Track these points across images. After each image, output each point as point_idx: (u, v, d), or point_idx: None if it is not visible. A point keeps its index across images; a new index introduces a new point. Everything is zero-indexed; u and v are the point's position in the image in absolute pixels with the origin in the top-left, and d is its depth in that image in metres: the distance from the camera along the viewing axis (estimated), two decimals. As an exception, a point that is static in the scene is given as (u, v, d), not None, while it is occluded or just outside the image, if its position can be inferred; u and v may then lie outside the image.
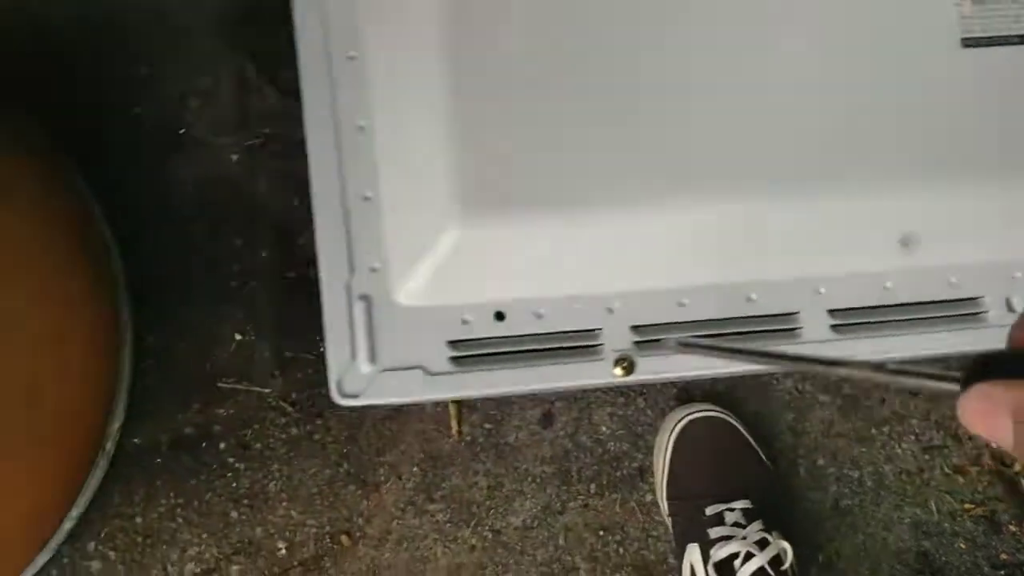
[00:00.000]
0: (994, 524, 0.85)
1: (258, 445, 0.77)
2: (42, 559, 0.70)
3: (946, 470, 0.85)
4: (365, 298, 0.39)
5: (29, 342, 0.52)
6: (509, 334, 0.40)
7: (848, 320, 0.42)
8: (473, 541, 0.78)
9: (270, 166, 0.79)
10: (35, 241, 0.56)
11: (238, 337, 0.77)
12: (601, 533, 0.80)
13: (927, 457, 0.85)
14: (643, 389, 0.82)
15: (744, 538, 0.72)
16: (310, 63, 0.40)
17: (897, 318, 0.42)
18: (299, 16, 0.41)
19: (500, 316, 0.40)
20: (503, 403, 0.80)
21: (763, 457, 0.79)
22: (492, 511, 0.79)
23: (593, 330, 0.40)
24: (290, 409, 0.77)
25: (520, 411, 0.80)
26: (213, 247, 0.78)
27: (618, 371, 0.39)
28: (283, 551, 0.76)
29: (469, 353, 0.39)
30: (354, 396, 0.39)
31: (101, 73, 0.78)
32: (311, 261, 0.79)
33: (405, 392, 0.39)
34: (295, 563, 0.76)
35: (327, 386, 0.77)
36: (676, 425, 0.78)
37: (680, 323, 0.40)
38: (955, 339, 0.42)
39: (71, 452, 0.64)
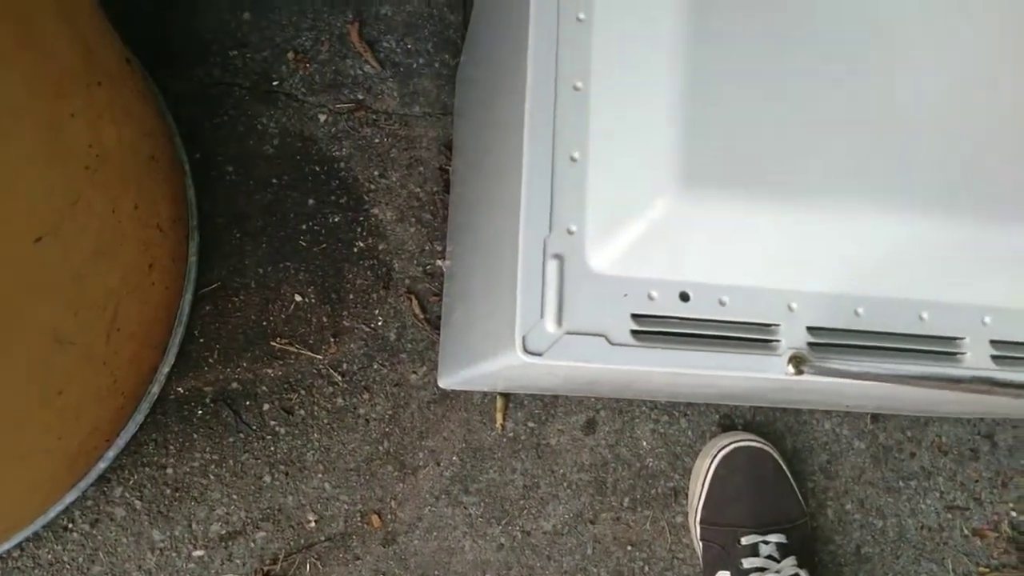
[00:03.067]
0: (1004, 591, 0.83)
1: (302, 412, 0.72)
2: (70, 497, 0.64)
3: (965, 531, 0.84)
4: (559, 258, 0.36)
5: (123, 267, 0.48)
6: (691, 316, 0.37)
7: (1009, 352, 0.40)
8: (502, 539, 0.75)
9: (356, 133, 0.76)
10: (137, 161, 0.52)
11: (298, 298, 0.73)
12: (629, 548, 0.77)
13: (949, 516, 0.83)
14: (687, 411, 0.80)
15: (778, 572, 0.69)
16: (540, 21, 0.38)
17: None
18: None
19: (685, 297, 0.37)
20: (549, 403, 0.77)
21: (799, 495, 0.77)
22: (525, 511, 0.75)
23: (771, 325, 0.38)
24: (339, 379, 0.73)
25: (565, 415, 0.77)
26: (285, 203, 0.74)
27: (791, 368, 0.37)
28: (312, 523, 0.71)
29: (651, 329, 0.37)
30: (537, 354, 0.36)
31: (204, 10, 0.74)
32: (382, 235, 0.75)
33: (586, 357, 0.36)
34: (323, 537, 0.71)
35: (379, 360, 0.74)
36: (719, 451, 0.75)
37: (853, 331, 0.38)
38: None
39: (124, 389, 0.60)
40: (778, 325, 0.39)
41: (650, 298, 0.38)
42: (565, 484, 0.76)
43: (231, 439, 0.70)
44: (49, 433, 0.52)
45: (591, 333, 0.37)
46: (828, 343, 0.38)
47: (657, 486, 0.78)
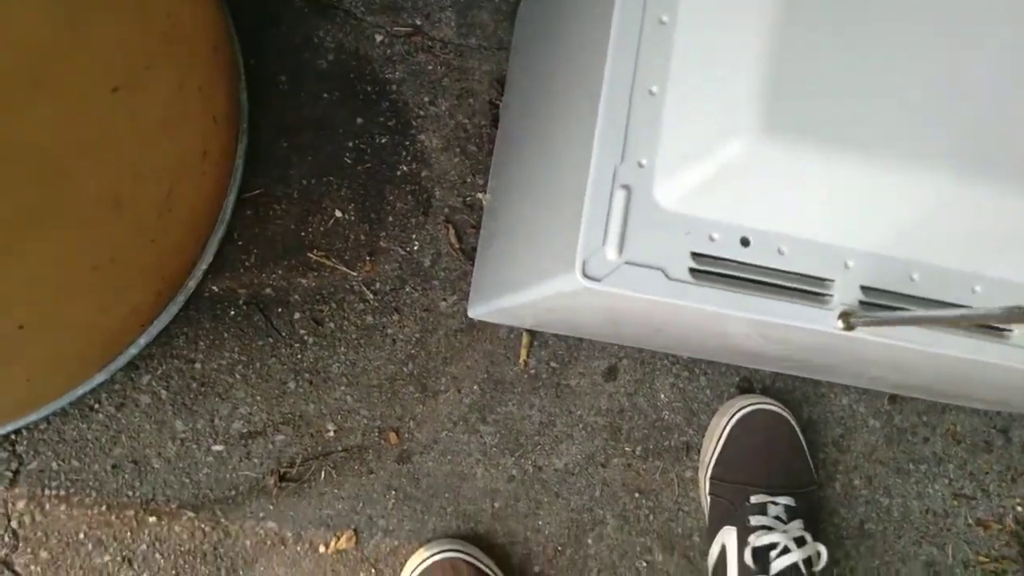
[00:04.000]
0: (1002, 582, 0.83)
1: (331, 324, 0.73)
2: (99, 378, 0.65)
3: (969, 520, 0.83)
4: (626, 188, 0.36)
5: (181, 147, 0.48)
6: (749, 261, 0.37)
7: None
8: (514, 471, 0.75)
9: (410, 58, 0.75)
10: (204, 47, 0.52)
11: (338, 214, 0.73)
12: (636, 495, 0.77)
13: (955, 503, 0.83)
14: (707, 369, 0.79)
15: (785, 532, 0.69)
16: None
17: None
18: None
19: (745, 242, 0.37)
20: (573, 346, 0.77)
21: (812, 463, 0.77)
22: (539, 447, 0.75)
23: (826, 279, 0.38)
24: (371, 297, 0.73)
25: (587, 359, 0.77)
26: (334, 119, 0.74)
27: (840, 324, 0.37)
28: (331, 433, 0.72)
29: (708, 269, 0.37)
30: (595, 280, 0.36)
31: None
32: (426, 162, 0.75)
33: (643, 288, 0.36)
34: (340, 448, 0.72)
35: (411, 284, 0.74)
36: (738, 411, 0.75)
37: (906, 295, 0.38)
38: None
39: (165, 274, 0.60)
40: (833, 280, 0.38)
41: (711, 239, 0.37)
42: (581, 426, 0.76)
43: (260, 342, 0.71)
44: (94, 304, 0.52)
45: (650, 266, 0.37)
46: (879, 304, 0.38)
47: (671, 439, 0.78)
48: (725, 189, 0.37)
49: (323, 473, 0.71)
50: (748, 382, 0.80)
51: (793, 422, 0.76)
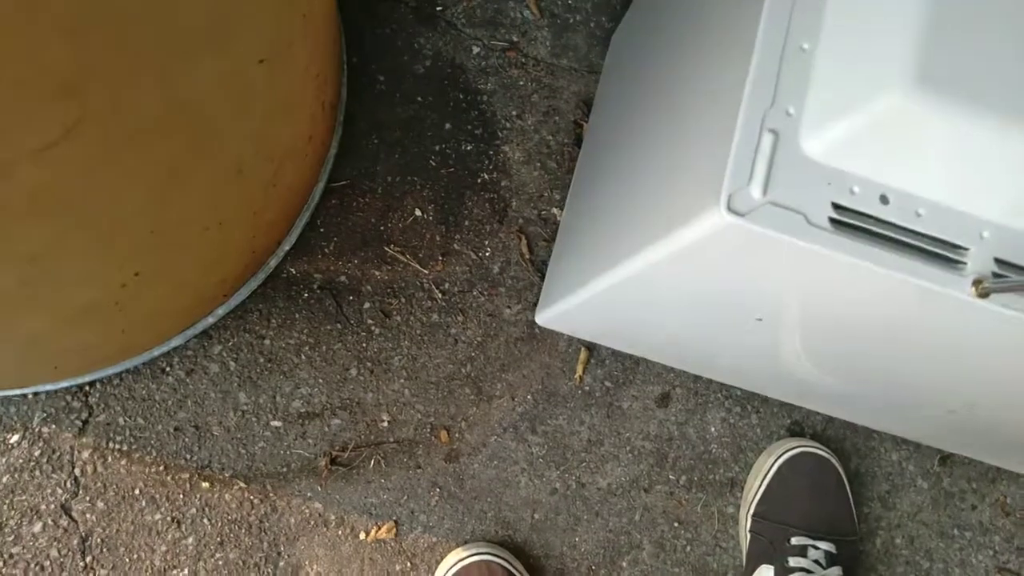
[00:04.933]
0: (1040, 665, 0.80)
1: (398, 318, 0.74)
2: (175, 342, 0.67)
3: (1012, 596, 0.81)
4: (774, 132, 0.37)
5: (295, 126, 0.50)
6: (887, 219, 0.38)
7: None
8: (557, 484, 0.75)
9: (504, 72, 0.77)
10: (327, 36, 0.54)
11: (417, 212, 0.75)
12: (676, 525, 0.76)
13: (998, 576, 0.81)
14: (760, 407, 0.79)
15: (825, 578, 0.68)
16: None
17: None
18: None
19: (885, 200, 0.38)
20: (629, 368, 0.77)
21: (855, 513, 0.75)
22: (584, 464, 0.76)
23: (961, 247, 0.38)
24: (439, 295, 0.75)
25: (642, 383, 0.77)
26: (424, 121, 0.76)
27: (973, 291, 0.37)
28: (385, 423, 0.73)
29: (847, 220, 0.38)
30: (739, 214, 0.37)
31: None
32: (507, 172, 0.77)
33: (784, 228, 0.37)
34: (392, 439, 0.73)
35: (479, 288, 0.75)
36: (786, 452, 0.74)
37: None
38: None
39: (256, 248, 0.62)
40: (968, 248, 0.38)
41: (852, 192, 0.38)
42: (628, 448, 0.76)
43: (328, 327, 0.73)
44: (197, 266, 0.54)
45: (792, 209, 0.37)
46: (1012, 276, 0.38)
47: (716, 472, 0.77)
48: (870, 144, 0.37)
49: (373, 462, 0.71)
50: (799, 426, 0.79)
51: (840, 470, 0.75)
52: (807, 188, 0.37)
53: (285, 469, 0.70)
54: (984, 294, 0.36)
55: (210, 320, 0.68)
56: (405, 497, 0.71)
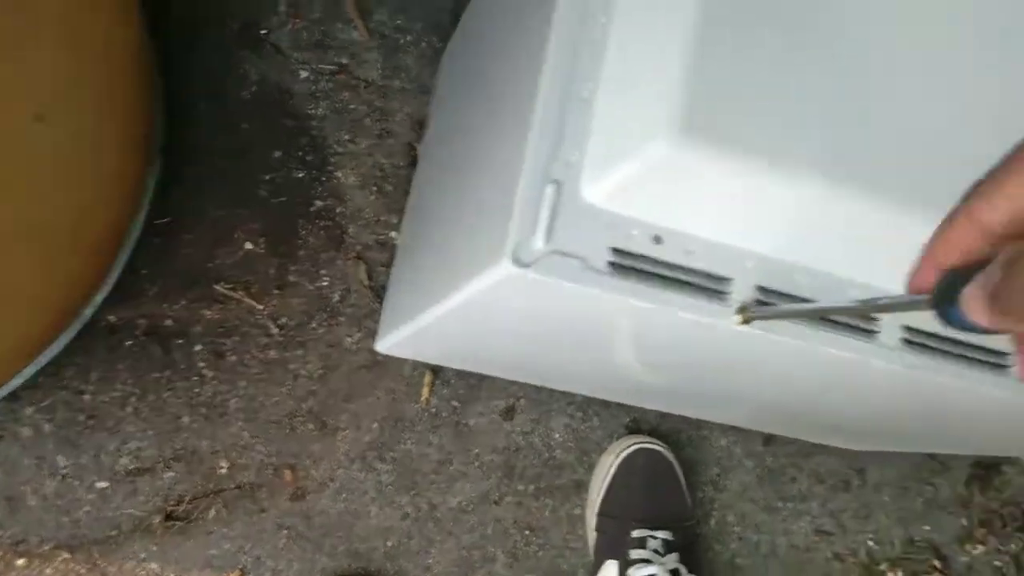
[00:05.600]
0: (851, 612, 0.91)
1: (232, 358, 0.71)
2: (-26, 408, 0.61)
3: (828, 555, 0.91)
4: (556, 183, 0.38)
5: (93, 172, 0.47)
6: (661, 258, 0.40)
7: (918, 339, 0.45)
8: (408, 509, 0.75)
9: (335, 95, 0.75)
10: (125, 69, 0.50)
11: (248, 246, 0.72)
12: (527, 533, 0.79)
13: (816, 539, 0.90)
14: (600, 411, 0.83)
15: (662, 564, 0.73)
16: None
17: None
18: None
19: (658, 240, 0.40)
20: (474, 385, 0.78)
21: (689, 499, 0.82)
22: (435, 485, 0.76)
23: (728, 278, 0.41)
24: (276, 331, 0.72)
25: (487, 398, 0.79)
26: (252, 150, 0.73)
27: (737, 318, 0.40)
28: (224, 470, 0.70)
29: (624, 263, 0.40)
30: (525, 265, 0.38)
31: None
32: (341, 198, 0.75)
33: (566, 275, 0.38)
34: (232, 485, 0.70)
35: (318, 320, 0.73)
36: (624, 450, 0.79)
37: (793, 296, 0.42)
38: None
39: (61, 307, 0.57)
40: (733, 279, 0.42)
41: (629, 235, 0.40)
42: (477, 464, 0.78)
43: (156, 375, 0.68)
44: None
45: (574, 256, 0.39)
46: (770, 303, 0.42)
47: (562, 477, 0.81)
48: (644, 190, 0.39)
49: (213, 511, 0.69)
50: (637, 423, 0.84)
51: (674, 461, 0.80)
52: (588, 234, 0.39)
53: (115, 532, 0.66)
54: (747, 321, 0.39)
55: (17, 381, 0.62)
56: (250, 544, 0.69)
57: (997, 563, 0.97)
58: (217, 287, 0.70)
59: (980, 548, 0.96)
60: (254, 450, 0.71)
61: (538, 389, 0.80)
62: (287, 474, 0.71)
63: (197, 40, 0.71)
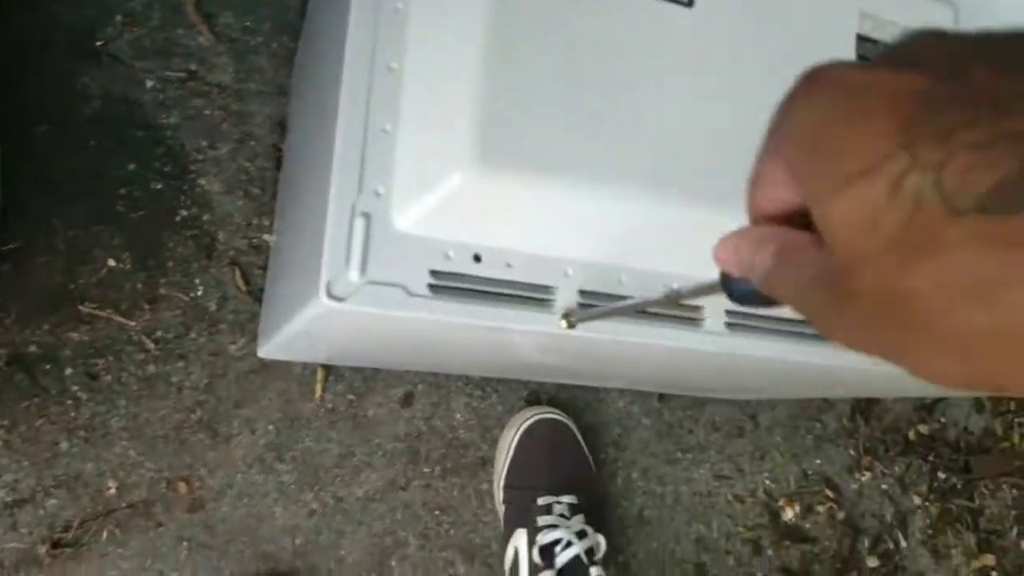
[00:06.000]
0: (758, 547, 0.96)
1: (108, 377, 0.69)
2: None
3: (729, 497, 0.95)
4: (366, 216, 0.39)
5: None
6: (482, 275, 0.42)
7: (739, 321, 0.48)
8: (314, 505, 0.76)
9: (187, 103, 0.74)
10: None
11: (111, 263, 0.70)
12: (436, 513, 0.81)
13: (716, 484, 0.95)
14: (498, 387, 0.85)
15: (568, 527, 0.76)
16: (361, 8, 0.41)
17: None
18: None
19: (477, 258, 0.42)
20: (369, 377, 0.79)
21: (591, 462, 0.85)
22: (338, 478, 0.77)
23: (549, 287, 0.43)
24: (152, 346, 0.71)
25: (384, 388, 0.80)
26: (104, 166, 0.71)
27: (563, 323, 0.42)
28: (112, 490, 0.68)
29: (445, 284, 0.41)
30: (340, 299, 0.38)
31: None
32: (207, 206, 0.75)
33: (385, 305, 0.39)
34: (123, 504, 0.69)
35: (196, 330, 0.73)
36: (523, 423, 0.81)
37: (617, 295, 0.45)
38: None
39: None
40: (555, 287, 0.44)
41: (447, 257, 0.42)
42: (380, 453, 0.79)
43: (25, 404, 0.66)
44: None
45: (392, 284, 0.40)
46: (596, 304, 0.44)
47: (467, 455, 0.82)
48: (456, 213, 0.41)
49: (105, 533, 0.67)
50: (535, 395, 0.87)
51: (573, 427, 0.83)
52: (404, 261, 0.40)
53: (-2, 568, 0.64)
54: (572, 325, 0.42)
55: None
56: (149, 560, 0.68)
57: (884, 486, 1.05)
58: (82, 308, 0.68)
59: (867, 475, 1.03)
60: (143, 467, 0.69)
61: (434, 374, 0.82)
62: (182, 486, 0.70)
63: (27, 61, 0.69)
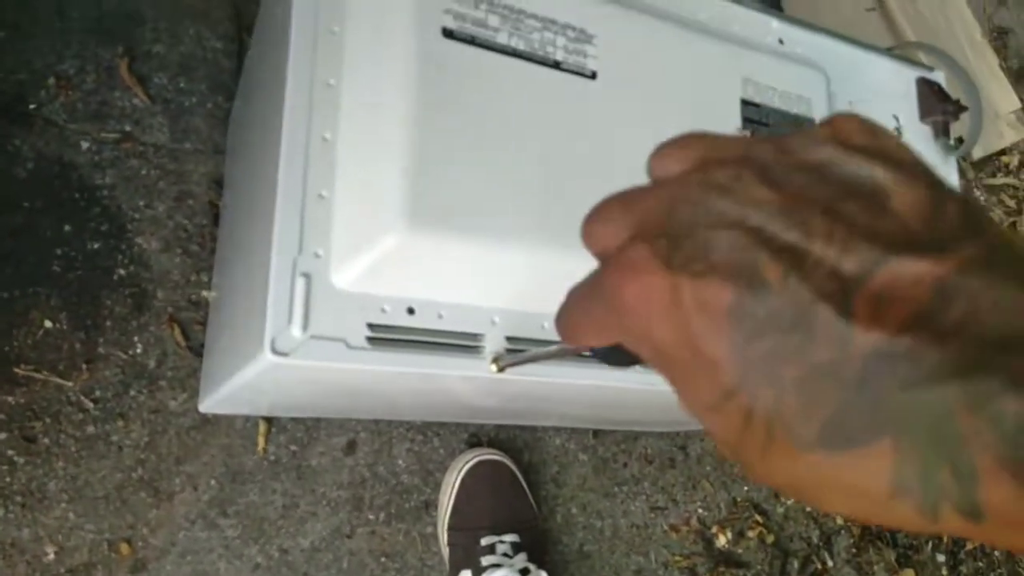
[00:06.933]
0: (694, 574, 1.02)
1: (46, 440, 0.70)
2: None
3: (664, 527, 1.02)
4: (306, 275, 0.43)
5: None
6: (416, 326, 0.46)
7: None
8: (259, 559, 0.77)
9: (122, 163, 0.77)
10: None
11: (48, 324, 0.72)
12: (383, 560, 0.83)
13: (652, 515, 1.01)
14: (440, 431, 0.89)
15: (511, 566, 0.80)
16: (296, 83, 0.45)
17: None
18: (294, 42, 0.46)
19: (411, 311, 0.46)
20: (311, 427, 0.82)
21: (532, 500, 0.89)
22: (283, 530, 0.79)
23: (479, 334, 0.48)
24: (90, 406, 0.72)
25: (327, 437, 0.83)
26: (38, 227, 0.73)
27: (493, 367, 0.47)
28: (51, 556, 0.69)
29: (383, 336, 0.45)
30: (284, 354, 0.42)
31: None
32: (145, 264, 0.77)
33: (327, 358, 0.43)
34: (63, 570, 0.69)
35: (136, 388, 0.74)
36: (464, 465, 0.85)
37: (540, 340, 0.50)
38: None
39: None
40: (484, 334, 0.49)
41: (383, 311, 0.46)
42: (324, 502, 0.81)
43: (-42, 471, 0.67)
44: None
45: (332, 338, 0.45)
46: (522, 349, 0.49)
47: (411, 500, 0.86)
48: (389, 271, 0.46)
49: (44, 600, 0.68)
50: (476, 437, 0.91)
51: (513, 467, 0.88)
52: (343, 316, 0.45)
53: (-71, 643, 0.63)
54: (501, 369, 0.47)
55: None
56: (90, 625, 0.69)
57: (808, 509, 1.13)
58: (17, 370, 0.69)
59: (792, 499, 1.11)
60: (83, 529, 0.70)
61: (376, 421, 0.85)
62: (123, 547, 0.71)
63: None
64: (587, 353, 0.32)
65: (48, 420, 0.70)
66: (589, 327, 0.20)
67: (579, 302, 0.20)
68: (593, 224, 0.20)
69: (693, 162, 0.19)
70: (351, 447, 0.83)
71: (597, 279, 0.19)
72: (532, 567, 0.81)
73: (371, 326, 0.46)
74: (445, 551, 0.84)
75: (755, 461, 0.17)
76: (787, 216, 0.16)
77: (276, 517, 0.78)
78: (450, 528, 0.83)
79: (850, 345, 0.15)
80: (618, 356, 0.23)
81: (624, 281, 0.17)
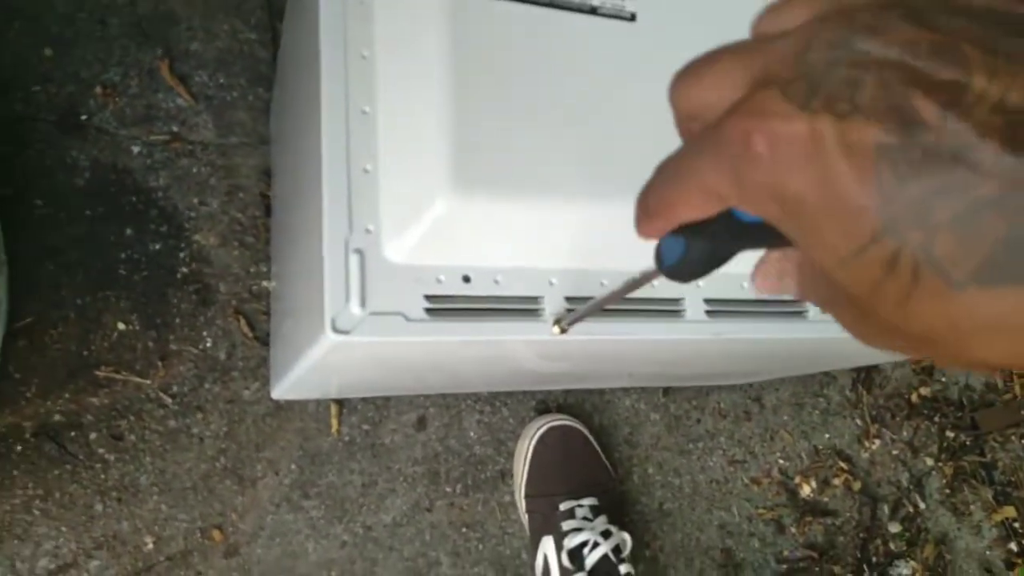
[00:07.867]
0: (780, 526, 1.01)
1: (132, 437, 0.74)
2: None
3: (745, 481, 1.01)
4: (359, 252, 0.44)
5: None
6: (473, 294, 0.47)
7: (716, 308, 0.54)
8: (345, 537, 0.81)
9: (173, 164, 0.80)
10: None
11: (121, 326, 0.75)
12: (464, 530, 0.86)
13: (731, 469, 1.01)
14: (507, 400, 0.90)
15: (592, 528, 0.81)
16: (330, 56, 0.46)
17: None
18: (324, 18, 0.47)
19: (467, 279, 0.47)
20: (381, 406, 0.84)
21: (607, 462, 0.90)
22: (365, 508, 0.82)
23: (538, 297, 0.49)
24: (169, 401, 0.76)
25: (397, 415, 0.85)
26: (102, 234, 0.76)
27: (556, 329, 0.47)
28: (150, 546, 0.73)
29: (441, 307, 0.46)
30: (345, 333, 0.44)
31: (1, 46, 0.75)
32: (206, 259, 0.80)
33: (388, 332, 0.44)
34: (162, 558, 0.73)
35: (210, 380, 0.78)
36: (536, 432, 0.86)
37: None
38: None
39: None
40: (543, 297, 0.50)
41: (439, 281, 0.47)
42: (401, 478, 0.84)
43: (56, 472, 0.71)
44: None
45: (391, 312, 0.46)
46: (577, 309, 0.49)
47: (486, 471, 0.88)
48: (441, 240, 0.46)
49: (148, 587, 0.72)
50: (544, 404, 0.92)
51: (585, 431, 0.89)
52: (400, 290, 0.46)
53: (50, 633, 0.68)
54: (564, 330, 0.47)
55: (-91, 513, 0.64)
56: (192, 609, 0.73)
57: (895, 452, 1.10)
58: (98, 373, 0.73)
59: (877, 443, 1.09)
60: (176, 519, 0.74)
61: (444, 395, 0.87)
62: (216, 534, 0.75)
63: (15, 140, 0.75)
64: (650, 277, 0.31)
65: (132, 418, 0.74)
66: (692, 193, 0.19)
67: (679, 167, 0.19)
68: (693, 77, 0.19)
69: (825, 10, 0.18)
70: (421, 423, 0.85)
71: (712, 134, 0.18)
72: (613, 529, 0.82)
73: (428, 297, 0.46)
74: (525, 518, 0.86)
75: (892, 310, 0.16)
76: (942, 54, 0.15)
77: (356, 496, 0.81)
78: (527, 496, 0.85)
79: (1020, 178, 0.15)
80: (694, 258, 0.22)
81: (755, 127, 0.17)
